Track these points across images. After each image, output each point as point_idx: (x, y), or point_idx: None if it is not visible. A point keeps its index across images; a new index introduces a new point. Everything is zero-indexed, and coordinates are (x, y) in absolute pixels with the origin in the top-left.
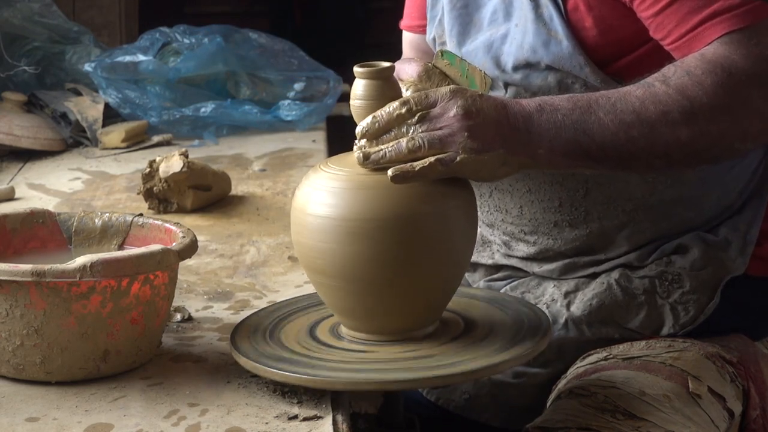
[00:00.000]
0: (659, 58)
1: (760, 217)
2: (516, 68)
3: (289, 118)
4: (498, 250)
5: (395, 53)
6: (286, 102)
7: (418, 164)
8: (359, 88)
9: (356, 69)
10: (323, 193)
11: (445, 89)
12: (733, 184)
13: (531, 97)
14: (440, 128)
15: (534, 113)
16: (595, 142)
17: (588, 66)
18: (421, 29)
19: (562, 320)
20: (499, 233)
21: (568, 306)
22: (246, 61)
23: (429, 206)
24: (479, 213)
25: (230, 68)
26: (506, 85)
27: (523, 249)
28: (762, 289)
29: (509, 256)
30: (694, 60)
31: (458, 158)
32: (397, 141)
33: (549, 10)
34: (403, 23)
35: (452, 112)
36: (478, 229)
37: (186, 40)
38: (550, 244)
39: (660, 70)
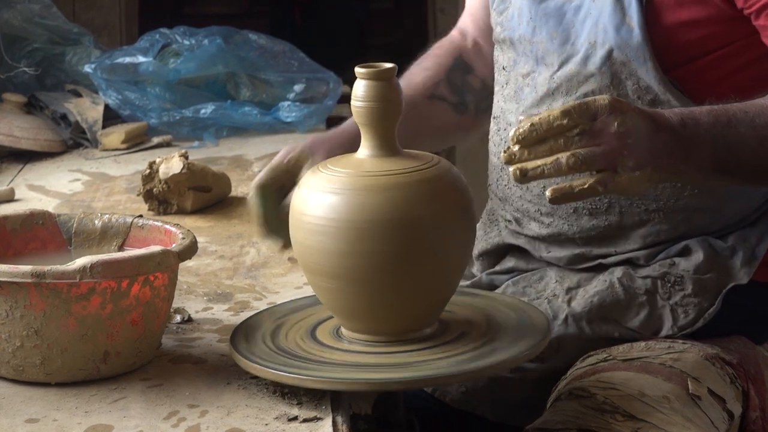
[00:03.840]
0: (722, 70)
1: None
2: (582, 46)
3: (289, 120)
4: (507, 227)
5: (396, 54)
6: (286, 103)
7: (577, 186)
8: (360, 89)
9: (357, 70)
10: (322, 195)
11: (604, 101)
12: (756, 198)
13: (581, 97)
14: (599, 144)
15: (678, 128)
16: (734, 156)
17: (651, 61)
18: None
19: (562, 316)
20: (511, 209)
21: (569, 302)
22: (246, 62)
23: (427, 208)
24: (494, 185)
25: (230, 69)
26: (559, 67)
27: (534, 228)
28: (763, 293)
29: (518, 234)
30: None
31: (615, 178)
32: (556, 158)
33: None
34: None
35: (612, 128)
36: (488, 204)
37: (186, 42)
38: (565, 229)
39: None
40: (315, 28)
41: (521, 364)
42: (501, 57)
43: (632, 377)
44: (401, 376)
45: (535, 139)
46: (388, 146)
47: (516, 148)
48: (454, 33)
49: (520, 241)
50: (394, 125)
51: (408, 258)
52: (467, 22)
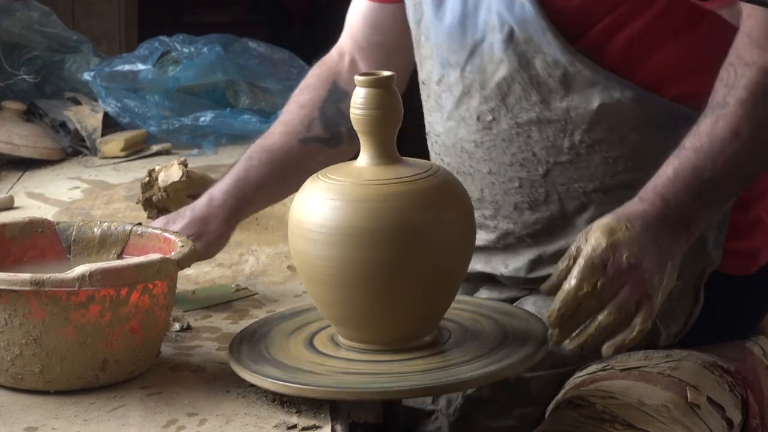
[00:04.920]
0: (627, 30)
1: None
2: (482, 35)
3: None
4: None
5: None
6: None
7: (629, 339)
8: (359, 97)
9: (357, 78)
10: (321, 203)
11: (600, 244)
12: None
13: (495, 88)
14: (623, 284)
15: (665, 210)
16: (721, 191)
17: (550, 32)
18: None
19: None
20: None
21: None
22: (245, 70)
23: (426, 215)
24: None
25: (229, 77)
26: (466, 62)
27: (483, 237)
28: (744, 286)
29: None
30: (744, 48)
31: (653, 302)
32: (597, 323)
33: None
34: None
35: (624, 265)
36: None
37: (185, 49)
38: (510, 228)
39: (717, 83)
40: (314, 36)
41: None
42: (420, 72)
43: (631, 386)
44: (400, 386)
45: (568, 317)
46: (387, 154)
47: (557, 330)
48: (333, 53)
49: (479, 263)
50: (393, 133)
51: (407, 266)
52: (346, 39)
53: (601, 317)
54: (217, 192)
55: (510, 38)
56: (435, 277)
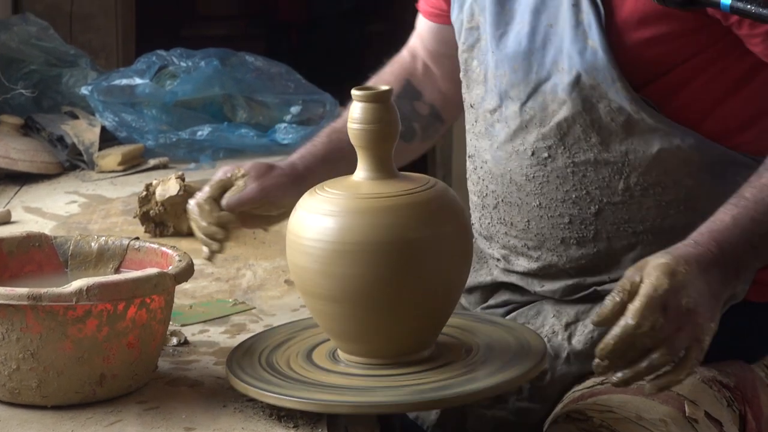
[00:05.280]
0: (695, 83)
1: None
2: (548, 74)
3: (285, 142)
4: (496, 265)
5: None
6: (283, 125)
7: (674, 380)
8: (357, 111)
9: (354, 92)
10: (318, 217)
11: (663, 285)
12: None
13: (555, 127)
14: (679, 328)
15: (720, 258)
16: None
17: (619, 81)
18: (438, 17)
19: (564, 354)
20: (497, 246)
21: (569, 339)
22: (242, 84)
23: (424, 230)
24: (477, 224)
25: (227, 91)
26: (528, 98)
27: (523, 264)
28: (758, 313)
29: (509, 271)
30: None
31: (702, 346)
32: (649, 361)
33: (589, 16)
34: (421, 3)
35: (682, 309)
36: (474, 245)
37: (182, 64)
38: (554, 261)
39: None
40: (311, 50)
41: (525, 404)
42: (468, 95)
43: (629, 400)
44: (397, 400)
45: (622, 351)
46: (384, 168)
47: (606, 362)
48: (405, 54)
49: (512, 279)
50: (390, 147)
51: (405, 280)
52: (417, 45)
53: (654, 356)
54: (285, 160)
55: (577, 82)
56: (433, 291)
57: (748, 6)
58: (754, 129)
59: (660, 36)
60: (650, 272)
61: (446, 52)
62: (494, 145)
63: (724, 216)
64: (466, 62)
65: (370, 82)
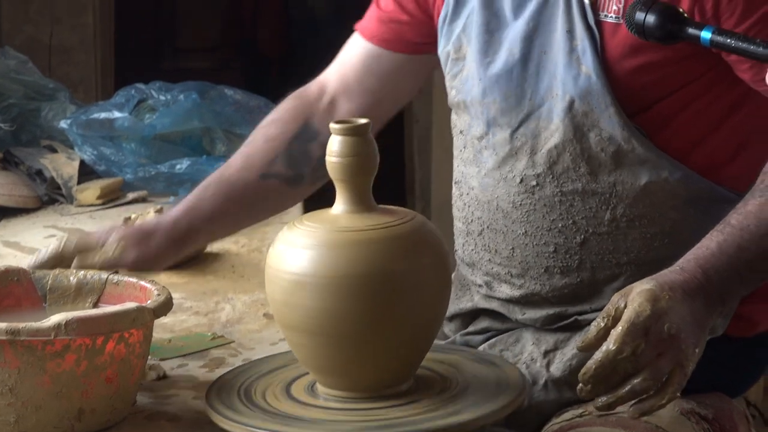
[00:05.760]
0: (688, 111)
1: None
2: (541, 101)
3: None
4: (478, 291)
5: None
6: None
7: (657, 405)
8: (335, 144)
9: (332, 125)
10: (297, 250)
11: (646, 310)
12: None
13: (545, 154)
14: (661, 353)
15: (706, 285)
16: (759, 271)
17: (613, 107)
18: (390, 42)
19: (542, 381)
20: (480, 273)
21: (547, 366)
22: (221, 117)
23: (402, 263)
24: (461, 250)
25: (206, 124)
26: (519, 125)
27: (506, 291)
28: (738, 349)
29: (490, 297)
30: None
31: (685, 371)
32: (629, 389)
33: (584, 43)
34: (364, 26)
35: (665, 334)
36: (456, 270)
37: (161, 97)
38: (537, 289)
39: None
40: (291, 83)
41: (500, 430)
42: (458, 121)
43: None
44: None
45: (604, 376)
46: (363, 201)
47: (589, 387)
48: (312, 88)
49: (494, 305)
50: (369, 180)
51: (383, 314)
52: (332, 75)
53: (635, 381)
54: (166, 216)
55: (570, 108)
56: (412, 325)
57: (728, 40)
58: (739, 162)
59: (652, 64)
60: (634, 298)
61: (371, 85)
62: (482, 172)
63: (710, 243)
64: (450, 91)
65: (267, 119)
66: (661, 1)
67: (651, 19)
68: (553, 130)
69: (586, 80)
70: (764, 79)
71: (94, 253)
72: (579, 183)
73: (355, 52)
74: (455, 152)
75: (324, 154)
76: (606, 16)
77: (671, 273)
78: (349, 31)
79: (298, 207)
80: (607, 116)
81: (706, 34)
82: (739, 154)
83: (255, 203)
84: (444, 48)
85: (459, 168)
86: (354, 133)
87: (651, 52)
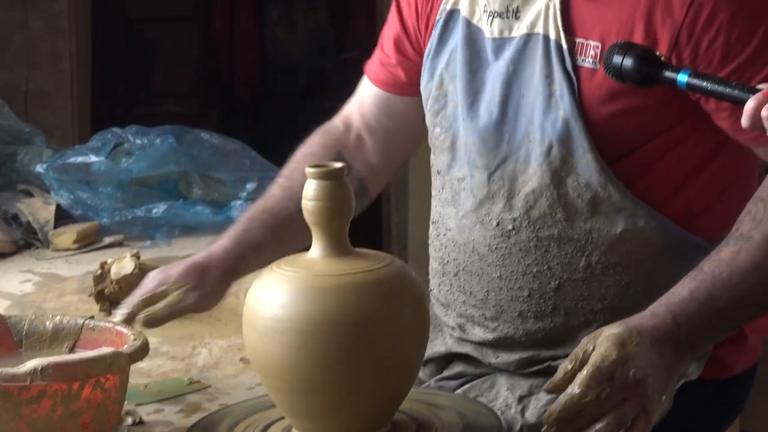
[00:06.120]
0: (666, 160)
1: None
2: (519, 145)
3: None
4: (451, 335)
5: None
6: (239, 202)
7: None
8: (311, 188)
9: (308, 170)
10: (274, 295)
11: (606, 351)
12: None
13: (522, 199)
14: (626, 398)
15: (675, 331)
16: (729, 319)
17: (591, 153)
18: (390, 86)
19: (517, 427)
20: (454, 315)
21: (522, 412)
22: (198, 161)
23: (380, 310)
24: (436, 290)
25: (182, 168)
26: (496, 168)
27: (479, 334)
28: (712, 392)
29: (463, 341)
30: None
31: (650, 418)
32: (594, 431)
33: (561, 87)
34: (370, 68)
35: (630, 380)
36: (431, 310)
37: (138, 141)
38: (510, 333)
39: (744, 215)
40: (267, 127)
41: None
42: (436, 161)
43: None
44: None
45: (568, 419)
46: (339, 245)
47: (554, 429)
48: (338, 123)
49: (467, 349)
50: (345, 224)
51: (360, 359)
52: (354, 111)
53: (599, 426)
54: (216, 248)
55: (548, 153)
56: (389, 371)
57: (704, 83)
58: (715, 211)
59: (630, 109)
60: (601, 342)
61: (387, 123)
62: (459, 213)
63: (682, 289)
64: (434, 130)
65: (299, 153)
66: (638, 45)
67: (628, 62)
68: (531, 175)
69: (564, 125)
70: (743, 128)
71: (160, 303)
72: (555, 229)
73: (368, 91)
74: (433, 192)
75: (358, 187)
76: (584, 61)
77: (641, 318)
78: (322, 77)
79: None
80: (585, 162)
81: (682, 78)
82: (716, 203)
83: (299, 233)
84: (426, 84)
85: (437, 208)
86: (329, 177)
87: (629, 98)
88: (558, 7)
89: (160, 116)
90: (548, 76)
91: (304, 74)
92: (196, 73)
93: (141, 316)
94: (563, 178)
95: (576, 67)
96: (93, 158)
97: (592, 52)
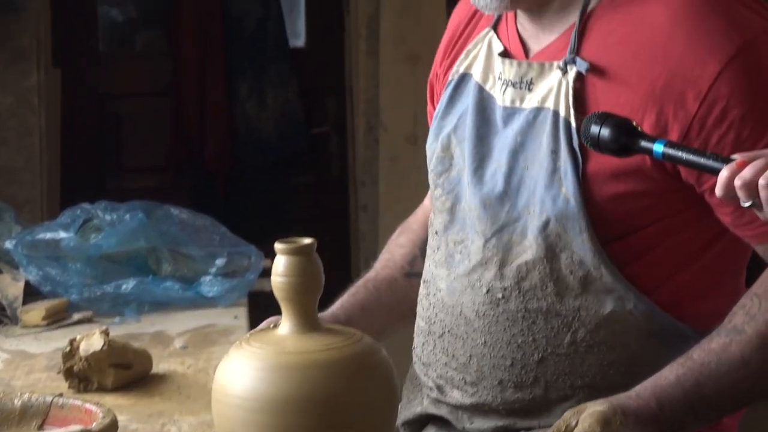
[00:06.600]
0: (661, 247)
1: None
2: (517, 215)
3: (210, 294)
4: (428, 395)
5: (318, 228)
6: (208, 278)
7: None
8: (281, 264)
9: (277, 245)
10: (241, 373)
11: (591, 428)
12: None
13: (514, 269)
14: None
15: (658, 413)
16: (712, 408)
17: (587, 232)
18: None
19: None
20: (434, 375)
21: None
22: (167, 236)
23: (347, 389)
24: (419, 348)
25: (151, 244)
26: (493, 235)
27: (457, 397)
28: None
29: (440, 402)
30: None
31: None
32: None
33: (566, 164)
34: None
35: None
36: (411, 369)
37: (107, 217)
38: (489, 400)
39: (738, 308)
40: (238, 202)
41: None
42: (434, 221)
43: None
44: None
45: None
46: (308, 322)
47: None
48: (426, 202)
49: (442, 411)
50: (314, 300)
51: None
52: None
53: None
54: (325, 313)
55: (545, 227)
56: None
57: (680, 153)
58: (704, 301)
59: (632, 193)
60: (585, 418)
61: None
62: (451, 276)
63: (669, 374)
64: (433, 189)
65: (395, 234)
66: (615, 115)
67: (605, 132)
68: (526, 247)
69: (564, 202)
70: (746, 223)
71: None
72: (544, 302)
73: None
74: (428, 251)
75: None
76: None
77: (626, 398)
78: (292, 152)
79: (244, 327)
80: (580, 241)
81: (658, 148)
82: (706, 293)
83: (403, 299)
84: (432, 143)
85: (429, 268)
86: (299, 252)
87: (633, 181)
88: (571, 84)
89: (131, 191)
90: (554, 152)
91: (273, 149)
92: (167, 147)
93: None
94: (557, 253)
95: (583, 146)
96: (62, 234)
97: None
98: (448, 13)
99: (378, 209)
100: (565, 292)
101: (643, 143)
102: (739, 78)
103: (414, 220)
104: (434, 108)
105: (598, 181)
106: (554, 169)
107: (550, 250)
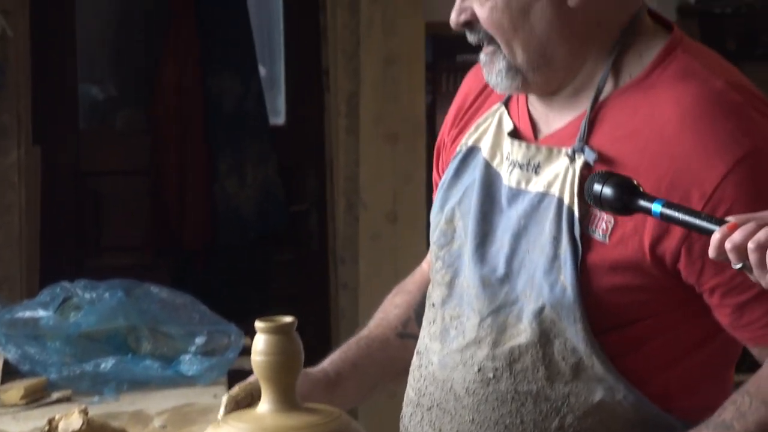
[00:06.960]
0: (653, 342)
1: None
2: (514, 298)
3: (190, 373)
4: None
5: (298, 306)
6: (188, 356)
7: None
8: (260, 343)
9: (257, 324)
10: None
11: None
12: None
13: (507, 351)
14: None
15: None
16: None
17: (581, 322)
18: None
19: None
20: None
21: None
22: (147, 315)
23: None
24: (406, 418)
25: (131, 323)
26: (488, 315)
27: None
28: None
29: None
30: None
31: None
32: None
33: (566, 253)
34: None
35: None
36: None
37: (87, 295)
38: None
39: (729, 403)
40: (217, 279)
41: None
42: (432, 293)
43: None
44: None
45: None
46: (287, 400)
47: None
48: (424, 265)
49: None
50: (294, 379)
51: None
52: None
53: None
54: (314, 369)
55: (540, 313)
56: None
57: (677, 213)
58: (694, 395)
59: (630, 286)
60: None
61: None
62: (444, 350)
63: None
64: (434, 261)
65: (391, 294)
66: (618, 174)
67: (608, 191)
68: (521, 330)
69: (561, 291)
70: (744, 325)
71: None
72: (534, 385)
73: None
74: (424, 322)
75: None
76: (594, 231)
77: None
78: (272, 229)
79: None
80: (574, 330)
81: (656, 207)
82: (697, 387)
83: (395, 359)
84: (437, 214)
85: (424, 340)
86: (278, 331)
87: (632, 275)
88: (578, 173)
89: (110, 269)
90: (556, 239)
91: (254, 226)
92: (146, 225)
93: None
94: (551, 339)
95: (585, 236)
96: (41, 313)
97: (603, 226)
98: (427, 92)
99: (358, 287)
100: (556, 377)
101: (642, 202)
102: (745, 182)
103: (411, 281)
104: (439, 175)
105: (597, 272)
106: (555, 256)
107: (544, 336)
